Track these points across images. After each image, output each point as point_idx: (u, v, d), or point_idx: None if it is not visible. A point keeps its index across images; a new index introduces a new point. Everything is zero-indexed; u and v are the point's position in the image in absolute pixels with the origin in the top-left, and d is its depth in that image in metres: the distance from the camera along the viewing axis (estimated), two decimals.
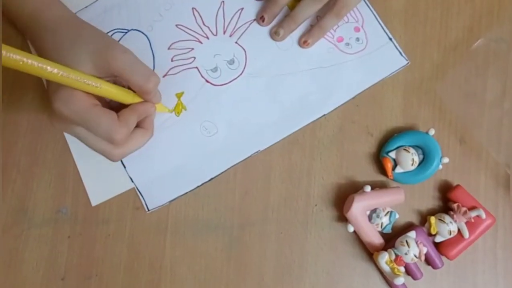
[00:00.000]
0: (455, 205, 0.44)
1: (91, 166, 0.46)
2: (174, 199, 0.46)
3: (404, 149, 0.45)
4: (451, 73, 0.48)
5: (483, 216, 0.43)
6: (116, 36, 0.48)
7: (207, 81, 0.48)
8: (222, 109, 0.47)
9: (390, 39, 0.49)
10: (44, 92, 0.47)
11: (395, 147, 0.46)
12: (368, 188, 0.44)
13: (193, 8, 0.49)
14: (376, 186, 0.45)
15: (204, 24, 0.49)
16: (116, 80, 0.42)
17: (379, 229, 0.44)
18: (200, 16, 0.49)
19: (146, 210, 0.46)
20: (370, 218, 0.44)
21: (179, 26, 0.49)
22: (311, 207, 0.46)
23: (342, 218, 0.45)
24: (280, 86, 0.48)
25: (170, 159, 0.46)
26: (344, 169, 0.47)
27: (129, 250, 0.45)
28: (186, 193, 0.46)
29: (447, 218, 0.44)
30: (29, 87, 0.47)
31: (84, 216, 0.46)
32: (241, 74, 0.48)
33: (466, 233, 0.43)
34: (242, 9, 0.49)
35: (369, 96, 0.48)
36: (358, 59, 0.48)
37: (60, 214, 0.46)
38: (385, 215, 0.44)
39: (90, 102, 0.39)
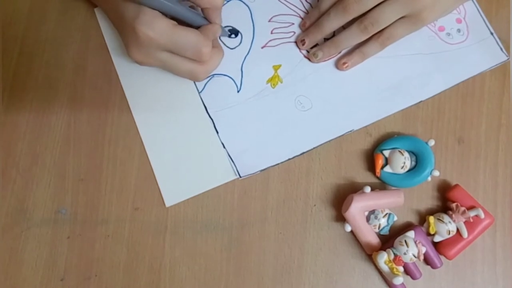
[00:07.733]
0: (454, 205, 0.44)
1: (167, 167, 0.46)
2: (265, 168, 0.46)
3: (399, 151, 0.45)
4: None
5: (482, 215, 0.43)
6: None
7: (305, 56, 0.48)
8: (318, 85, 0.47)
9: (492, 33, 0.49)
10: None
11: (391, 147, 0.46)
12: (367, 189, 0.44)
13: None
14: (375, 187, 0.46)
15: (306, 0, 0.49)
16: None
17: (377, 230, 0.44)
18: None
19: (238, 176, 0.46)
20: (368, 219, 0.44)
21: (281, 0, 0.49)
22: (310, 207, 0.46)
23: (341, 218, 0.45)
24: (379, 68, 0.48)
25: (263, 129, 0.47)
26: (343, 169, 0.47)
27: (129, 250, 0.45)
28: (277, 164, 0.46)
29: (446, 217, 0.44)
30: (29, 87, 0.47)
31: (83, 217, 0.46)
32: (340, 53, 0.48)
33: (465, 233, 0.43)
34: None
35: None
36: (458, 50, 0.48)
37: (60, 215, 0.46)
38: (383, 216, 0.44)
39: (171, 22, 0.40)
